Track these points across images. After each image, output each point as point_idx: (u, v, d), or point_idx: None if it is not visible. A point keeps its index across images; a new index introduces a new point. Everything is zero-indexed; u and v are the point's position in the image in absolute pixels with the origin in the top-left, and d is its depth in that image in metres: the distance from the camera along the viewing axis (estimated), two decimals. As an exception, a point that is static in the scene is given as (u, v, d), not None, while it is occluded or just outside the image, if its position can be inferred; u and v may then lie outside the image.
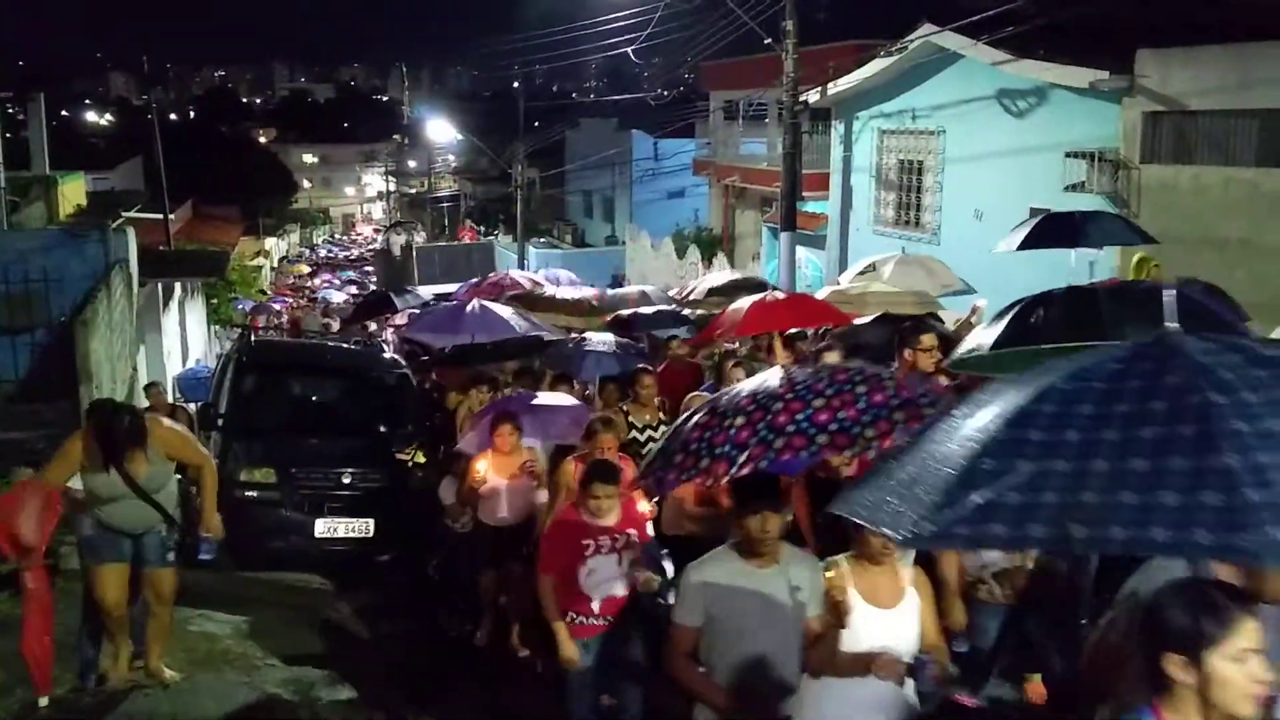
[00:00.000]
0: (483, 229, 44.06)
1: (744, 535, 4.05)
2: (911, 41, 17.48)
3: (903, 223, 19.30)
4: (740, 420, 4.05)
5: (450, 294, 20.70)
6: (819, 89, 19.65)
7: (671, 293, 18.08)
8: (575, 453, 6.64)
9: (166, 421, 6.03)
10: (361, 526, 8.79)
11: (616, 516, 5.32)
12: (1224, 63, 12.65)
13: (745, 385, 4.44)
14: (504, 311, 11.74)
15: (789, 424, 4.00)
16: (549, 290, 16.30)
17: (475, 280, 21.70)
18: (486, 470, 7.04)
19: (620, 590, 5.30)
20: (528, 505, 7.15)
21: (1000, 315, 5.46)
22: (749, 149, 27.21)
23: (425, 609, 8.40)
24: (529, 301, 14.17)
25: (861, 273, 13.49)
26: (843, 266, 19.00)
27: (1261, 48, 12.20)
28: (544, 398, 8.06)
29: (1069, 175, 14.67)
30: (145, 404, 10.40)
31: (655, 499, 6.09)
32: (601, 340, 10.34)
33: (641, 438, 7.78)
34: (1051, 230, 9.70)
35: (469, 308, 11.61)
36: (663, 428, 7.61)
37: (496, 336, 11.19)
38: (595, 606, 5.27)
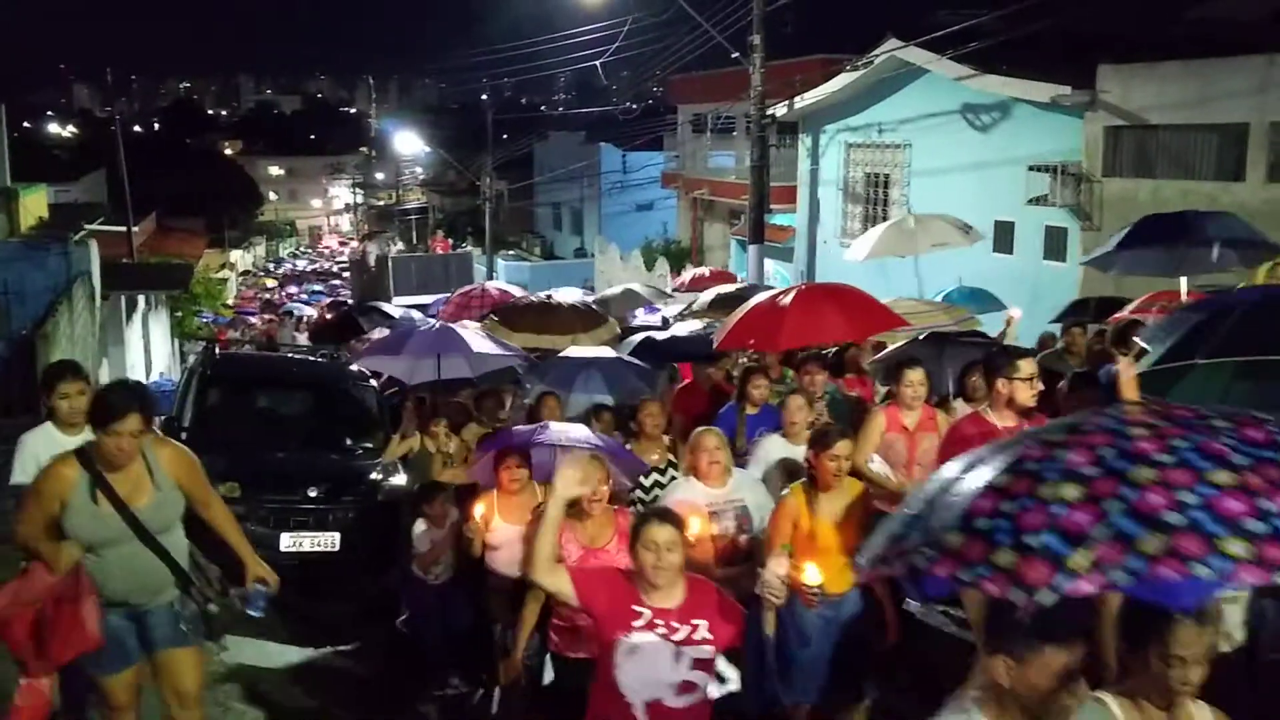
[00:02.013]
0: (452, 241, 43.91)
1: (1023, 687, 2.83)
2: (877, 56, 17.65)
3: (869, 235, 19.42)
4: (1073, 491, 2.41)
5: (426, 306, 20.42)
6: (786, 102, 19.80)
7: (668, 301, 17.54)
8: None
9: (171, 441, 4.60)
10: (327, 540, 8.69)
11: (681, 595, 3.86)
12: (1183, 78, 12.87)
13: (1061, 424, 2.84)
14: (466, 335, 9.09)
15: (1168, 508, 2.31)
16: (530, 297, 13.55)
17: (445, 296, 21.03)
18: (488, 515, 5.90)
19: (674, 700, 3.77)
20: None
21: (1164, 330, 5.26)
22: (717, 162, 27.36)
23: (394, 665, 7.38)
24: (509, 318, 11.37)
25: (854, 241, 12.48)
26: (810, 278, 19.12)
27: (1219, 64, 12.43)
28: (559, 429, 6.50)
29: (1032, 188, 14.87)
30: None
31: None
32: (596, 353, 9.19)
33: (646, 482, 6.58)
34: (1160, 232, 8.55)
35: (419, 331, 9.25)
36: (672, 471, 6.59)
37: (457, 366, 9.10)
38: (639, 715, 3.77)
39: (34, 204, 19.29)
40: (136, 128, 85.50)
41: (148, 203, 31.95)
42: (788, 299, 7.85)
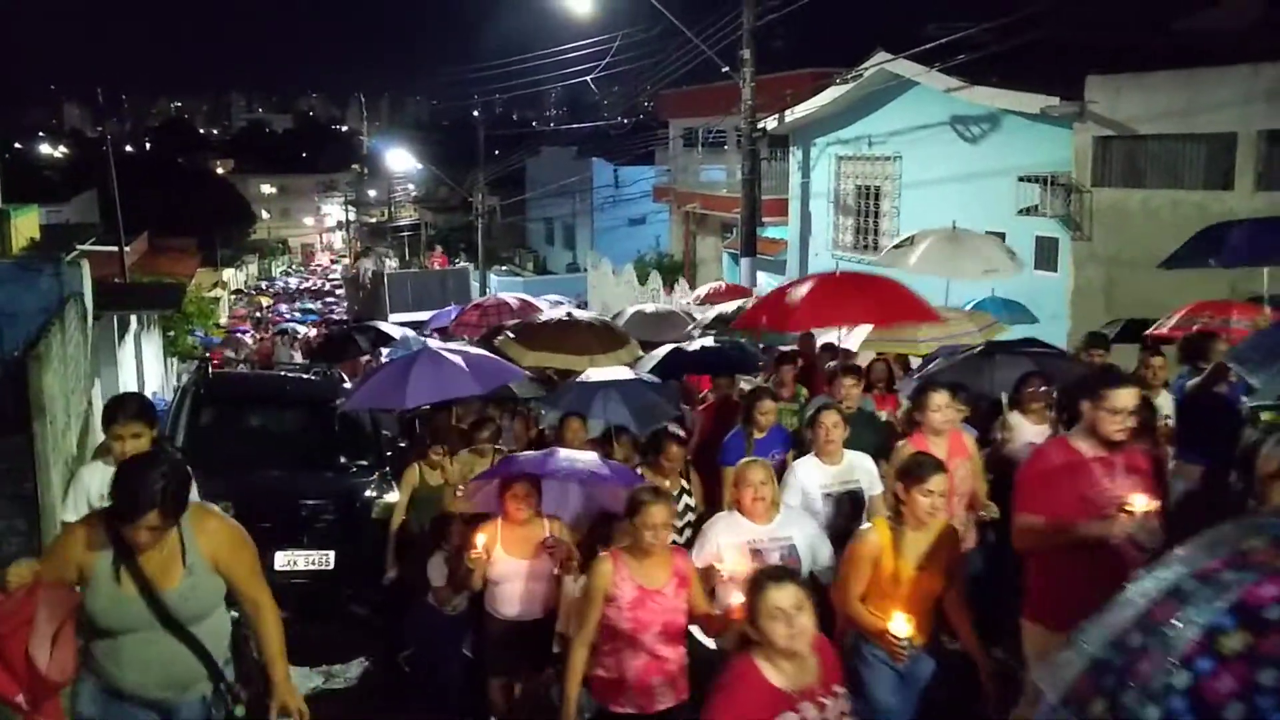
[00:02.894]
0: (449, 257, 43.87)
1: None
2: (867, 69, 17.73)
3: (861, 247, 19.50)
4: None
5: (423, 323, 20.20)
6: (777, 116, 19.87)
7: (690, 300, 17.06)
8: (613, 543, 4.98)
9: (217, 513, 3.93)
10: (322, 559, 8.65)
11: (815, 661, 3.46)
12: (1171, 88, 12.94)
13: None
14: (458, 360, 8.20)
15: None
16: (551, 313, 12.26)
17: (450, 309, 20.43)
18: (490, 545, 5.34)
19: None
20: (549, 596, 5.49)
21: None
22: (708, 175, 27.42)
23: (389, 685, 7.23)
24: (524, 336, 10.62)
25: (898, 244, 11.46)
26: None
27: (1207, 74, 12.50)
28: (568, 455, 5.87)
29: (1023, 199, 14.92)
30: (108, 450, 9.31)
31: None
32: (613, 374, 8.66)
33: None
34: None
35: (415, 366, 8.04)
36: (686, 499, 6.42)
37: (450, 395, 8.22)
38: None
39: (25, 225, 19.27)
40: (128, 147, 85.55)
41: (140, 222, 31.93)
42: (809, 282, 7.59)
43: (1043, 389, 6.85)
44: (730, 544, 4.90)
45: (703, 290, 17.74)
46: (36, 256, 14.98)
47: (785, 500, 5.41)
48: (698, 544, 5.10)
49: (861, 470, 6.02)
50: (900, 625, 4.13)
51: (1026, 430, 6.74)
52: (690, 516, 6.39)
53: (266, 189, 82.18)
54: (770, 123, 19.86)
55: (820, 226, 20.89)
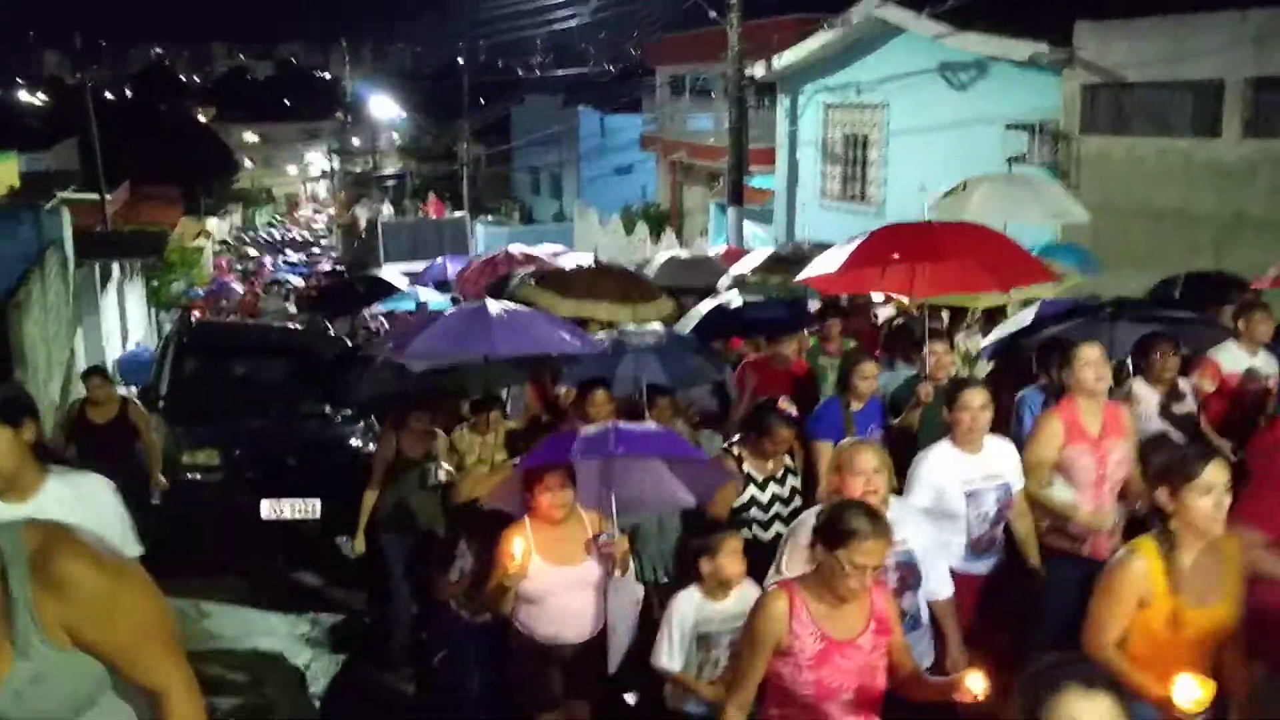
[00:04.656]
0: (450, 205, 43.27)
1: None
2: (854, 15, 17.55)
3: (849, 196, 19.43)
4: None
5: (419, 273, 19.89)
6: (764, 63, 19.68)
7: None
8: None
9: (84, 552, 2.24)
10: (308, 507, 8.69)
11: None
12: (1159, 35, 12.85)
13: None
14: (534, 321, 7.02)
15: None
16: (572, 261, 10.84)
17: (445, 260, 19.70)
18: (526, 553, 4.27)
19: None
20: (600, 610, 4.48)
21: None
22: (696, 124, 27.20)
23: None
24: (560, 284, 9.27)
25: (949, 193, 10.06)
26: (790, 240, 19.06)
27: (1195, 20, 12.41)
28: (633, 426, 4.97)
29: (1010, 147, 14.85)
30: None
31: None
32: (644, 332, 7.62)
33: (764, 497, 5.31)
34: None
35: (495, 314, 6.76)
36: (792, 480, 5.44)
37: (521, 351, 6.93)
38: None
39: (5, 172, 19.08)
40: (108, 94, 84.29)
41: (122, 171, 31.56)
42: (915, 236, 6.24)
43: (1172, 354, 5.92)
44: None
45: (716, 251, 17.08)
46: (15, 204, 14.84)
47: (913, 499, 4.51)
48: (786, 544, 4.13)
49: (1006, 460, 4.86)
50: (1189, 691, 2.93)
51: (1153, 402, 5.88)
52: (798, 503, 5.36)
53: (249, 137, 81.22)
54: (757, 70, 19.67)
55: (808, 175, 20.78)
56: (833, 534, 3.23)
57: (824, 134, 20.01)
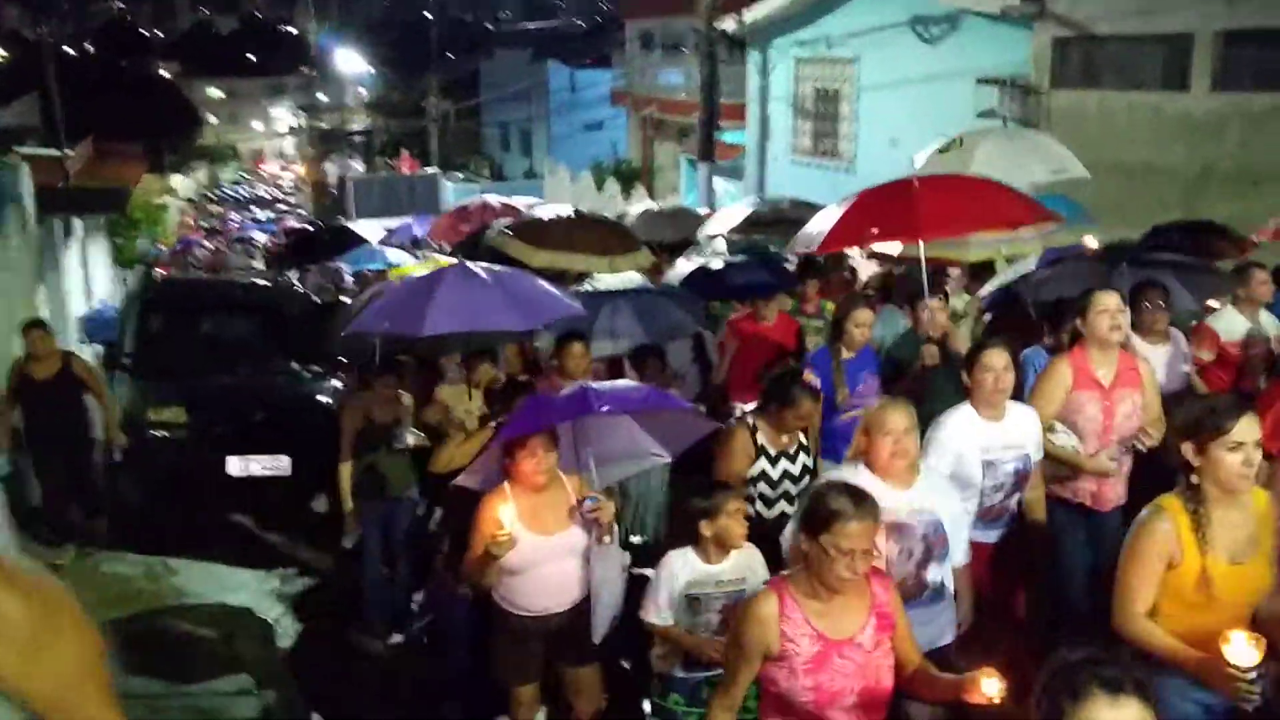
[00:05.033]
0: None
1: None
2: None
3: (820, 152, 19.36)
4: None
5: (393, 230, 19.58)
6: (734, 17, 19.50)
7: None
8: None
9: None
10: (277, 464, 8.64)
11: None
12: (1130, -14, 12.81)
13: None
14: (495, 284, 6.33)
15: None
16: (548, 212, 10.36)
17: (415, 218, 19.41)
18: (513, 521, 4.06)
19: None
20: (585, 576, 4.31)
21: None
22: (666, 79, 26.98)
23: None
24: (529, 234, 8.82)
25: (943, 150, 9.53)
26: (761, 196, 18.99)
27: (1166, -28, 12.35)
28: (610, 386, 4.91)
29: (981, 102, 14.83)
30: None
31: None
32: (624, 281, 7.33)
33: (774, 472, 4.94)
34: None
35: (443, 286, 6.21)
36: (805, 459, 5.05)
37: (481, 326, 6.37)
38: None
39: (-39, 128, 18.66)
40: (69, 50, 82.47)
41: (84, 127, 30.97)
42: (907, 185, 6.06)
43: (1162, 305, 5.68)
44: None
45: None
46: (-27, 159, 14.51)
47: (930, 464, 4.20)
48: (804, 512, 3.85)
49: (1027, 427, 4.58)
50: (1243, 650, 2.68)
51: (1145, 353, 5.52)
52: (808, 481, 4.98)
53: (214, 93, 79.94)
54: (728, 24, 19.49)
55: (779, 130, 20.67)
56: (814, 519, 2.99)
57: (795, 89, 19.89)
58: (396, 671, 6.15)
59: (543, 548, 4.16)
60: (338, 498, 6.72)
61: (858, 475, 3.73)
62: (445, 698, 5.46)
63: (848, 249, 8.73)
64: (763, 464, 4.92)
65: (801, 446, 5.03)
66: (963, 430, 4.43)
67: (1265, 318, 6.12)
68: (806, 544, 3.01)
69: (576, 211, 9.88)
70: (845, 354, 5.76)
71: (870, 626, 3.07)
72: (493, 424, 5.35)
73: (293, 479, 8.65)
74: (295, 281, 14.89)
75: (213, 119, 73.35)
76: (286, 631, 6.55)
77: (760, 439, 4.93)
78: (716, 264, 8.68)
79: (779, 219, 11.10)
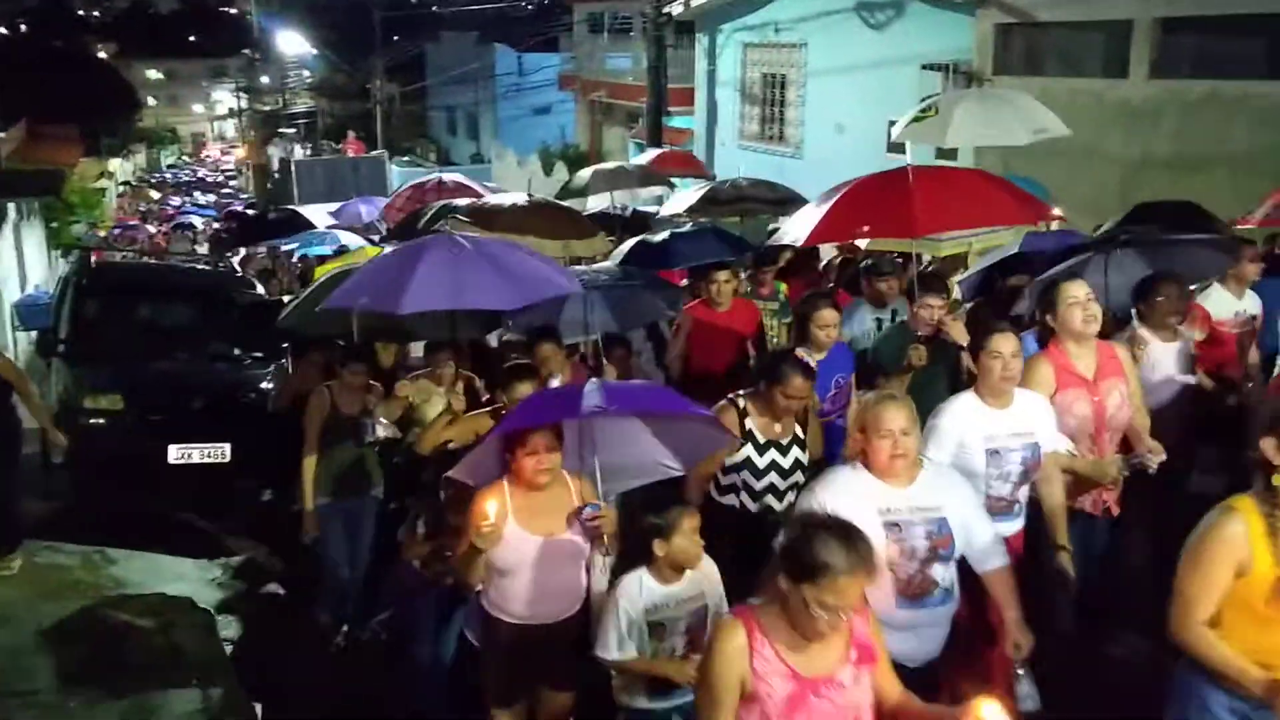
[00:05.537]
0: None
1: None
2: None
3: (767, 137, 19.42)
4: None
5: (336, 211, 19.16)
6: (682, 0, 19.47)
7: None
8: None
9: None
10: (217, 452, 8.51)
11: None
12: (1070, -27, 12.96)
13: None
14: (486, 257, 5.70)
15: None
16: (498, 198, 9.79)
17: (361, 201, 19.02)
18: (500, 518, 3.78)
19: None
20: (580, 585, 4.09)
21: None
22: (614, 63, 26.90)
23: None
24: (485, 218, 8.37)
25: (918, 118, 9.09)
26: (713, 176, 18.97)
27: (1106, -40, 12.52)
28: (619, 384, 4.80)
29: (925, 87, 14.94)
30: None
31: None
32: (595, 271, 7.00)
33: (761, 461, 4.67)
34: None
35: (426, 258, 5.57)
36: (798, 452, 4.75)
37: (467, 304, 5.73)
38: None
39: (-113, 108, 18.09)
40: (1, 29, 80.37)
41: (16, 109, 30.22)
42: (899, 177, 5.67)
43: (1177, 298, 5.36)
44: (855, 515, 3.25)
45: (648, 156, 15.90)
46: (-101, 141, 14.09)
47: (931, 455, 3.99)
48: (804, 506, 3.66)
49: (1038, 417, 4.34)
50: None
51: (1157, 350, 5.30)
52: (798, 479, 4.72)
53: (153, 74, 78.45)
54: (675, 8, 19.46)
55: (727, 115, 20.69)
56: (799, 564, 2.67)
57: (742, 74, 19.92)
58: (344, 664, 6.08)
59: (533, 548, 3.87)
60: (281, 487, 6.58)
61: (856, 476, 3.61)
62: (398, 691, 5.30)
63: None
64: (749, 450, 4.63)
65: (796, 440, 4.73)
66: (965, 418, 4.23)
67: (1249, 298, 6.11)
68: (786, 586, 2.71)
69: (529, 196, 9.59)
70: (815, 356, 5.36)
71: (850, 662, 2.81)
72: (492, 409, 5.06)
73: (232, 466, 8.53)
74: (235, 266, 14.66)
75: (152, 101, 71.95)
76: (228, 622, 6.44)
77: (749, 424, 4.64)
78: (660, 236, 8.24)
79: (739, 197, 10.94)
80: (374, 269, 6.11)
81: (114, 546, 7.18)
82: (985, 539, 3.74)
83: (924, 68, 14.86)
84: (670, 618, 3.76)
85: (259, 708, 5.31)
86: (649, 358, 7.52)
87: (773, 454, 4.65)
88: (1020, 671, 3.67)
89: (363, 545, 6.24)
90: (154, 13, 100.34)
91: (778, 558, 2.81)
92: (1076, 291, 4.59)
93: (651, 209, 13.91)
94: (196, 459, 8.44)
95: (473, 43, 36.04)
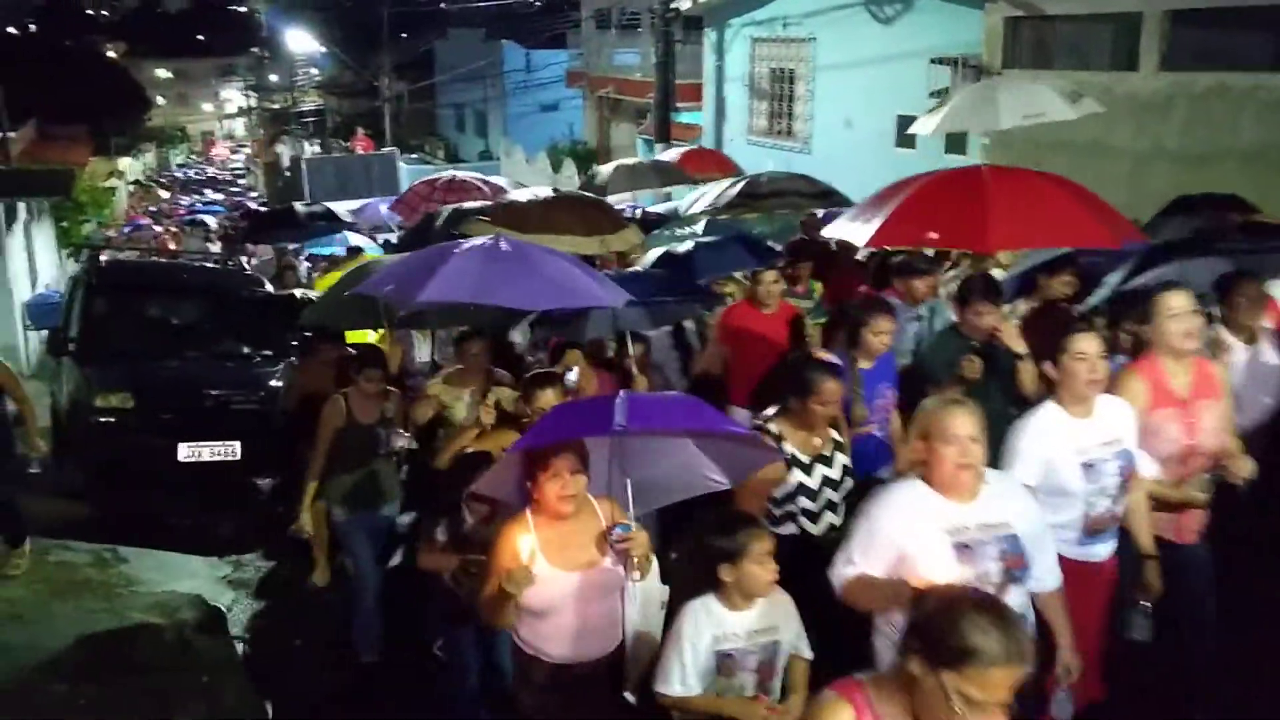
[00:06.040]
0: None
1: None
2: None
3: (775, 132, 19.38)
4: None
5: (356, 210, 19.08)
6: (690, -5, 19.45)
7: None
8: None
9: None
10: (227, 450, 8.53)
11: None
12: (1080, -33, 12.90)
13: None
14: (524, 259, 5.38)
15: None
16: (520, 194, 9.29)
17: (379, 200, 18.76)
18: (529, 554, 3.42)
19: None
20: (618, 621, 3.66)
21: None
22: (622, 59, 26.86)
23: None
24: (515, 218, 7.76)
25: (932, 111, 8.97)
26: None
27: (1115, -48, 12.46)
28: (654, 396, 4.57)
29: (934, 81, 14.90)
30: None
31: None
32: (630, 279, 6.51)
33: (812, 482, 4.40)
34: None
35: (457, 254, 5.33)
36: (842, 457, 4.50)
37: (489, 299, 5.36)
38: None
39: (-102, 109, 18.17)
40: (9, 29, 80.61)
41: (26, 109, 30.32)
42: (973, 178, 5.21)
43: (1259, 296, 5.02)
44: (920, 536, 3.12)
45: (674, 153, 15.09)
46: (-90, 141, 14.15)
47: (1013, 473, 3.70)
48: (860, 530, 3.32)
49: (1123, 420, 3.97)
50: None
51: (1241, 353, 4.98)
52: (849, 485, 4.49)
53: (162, 73, 78.63)
54: (684, 3, 19.43)
55: (735, 111, 20.66)
56: (940, 645, 2.22)
57: (751, 69, 19.88)
58: (376, 682, 5.97)
59: (569, 585, 3.49)
60: (288, 486, 6.51)
61: (915, 490, 3.26)
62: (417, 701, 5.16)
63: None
64: (798, 476, 4.34)
65: (837, 445, 4.46)
66: (1051, 432, 3.84)
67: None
68: (919, 670, 2.25)
69: (555, 191, 9.21)
70: (863, 363, 5.05)
71: None
72: (519, 423, 4.74)
73: (243, 464, 8.55)
74: (245, 264, 14.68)
75: (161, 100, 72.15)
76: (238, 619, 6.47)
77: (787, 447, 4.35)
78: (684, 246, 7.73)
79: (776, 191, 10.17)
80: (407, 260, 5.80)
81: (124, 545, 7.22)
82: (1048, 558, 3.46)
83: (933, 62, 14.82)
84: (739, 650, 3.38)
85: (269, 706, 5.33)
86: (675, 367, 7.05)
87: (820, 469, 4.40)
88: (1062, 693, 3.56)
89: (387, 561, 5.85)
90: (163, 12, 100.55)
91: (906, 635, 2.34)
92: (1179, 303, 4.13)
93: (660, 208, 13.75)
94: (206, 457, 8.45)
95: (480, 40, 36.02)
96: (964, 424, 3.18)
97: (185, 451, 8.42)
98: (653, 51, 19.13)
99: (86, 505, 8.14)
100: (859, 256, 8.12)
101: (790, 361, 4.72)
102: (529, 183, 23.78)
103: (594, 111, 28.94)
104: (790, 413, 4.39)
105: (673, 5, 18.48)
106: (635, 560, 3.47)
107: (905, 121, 16.03)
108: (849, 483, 4.46)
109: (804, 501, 4.35)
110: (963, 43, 14.51)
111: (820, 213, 9.97)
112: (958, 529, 3.15)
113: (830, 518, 4.40)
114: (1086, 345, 3.86)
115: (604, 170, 12.84)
